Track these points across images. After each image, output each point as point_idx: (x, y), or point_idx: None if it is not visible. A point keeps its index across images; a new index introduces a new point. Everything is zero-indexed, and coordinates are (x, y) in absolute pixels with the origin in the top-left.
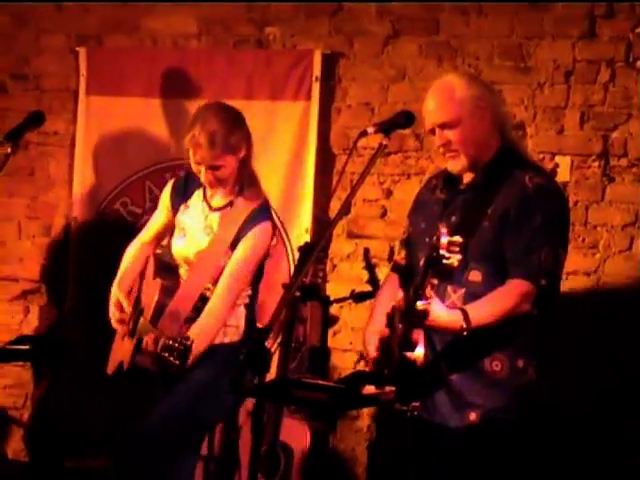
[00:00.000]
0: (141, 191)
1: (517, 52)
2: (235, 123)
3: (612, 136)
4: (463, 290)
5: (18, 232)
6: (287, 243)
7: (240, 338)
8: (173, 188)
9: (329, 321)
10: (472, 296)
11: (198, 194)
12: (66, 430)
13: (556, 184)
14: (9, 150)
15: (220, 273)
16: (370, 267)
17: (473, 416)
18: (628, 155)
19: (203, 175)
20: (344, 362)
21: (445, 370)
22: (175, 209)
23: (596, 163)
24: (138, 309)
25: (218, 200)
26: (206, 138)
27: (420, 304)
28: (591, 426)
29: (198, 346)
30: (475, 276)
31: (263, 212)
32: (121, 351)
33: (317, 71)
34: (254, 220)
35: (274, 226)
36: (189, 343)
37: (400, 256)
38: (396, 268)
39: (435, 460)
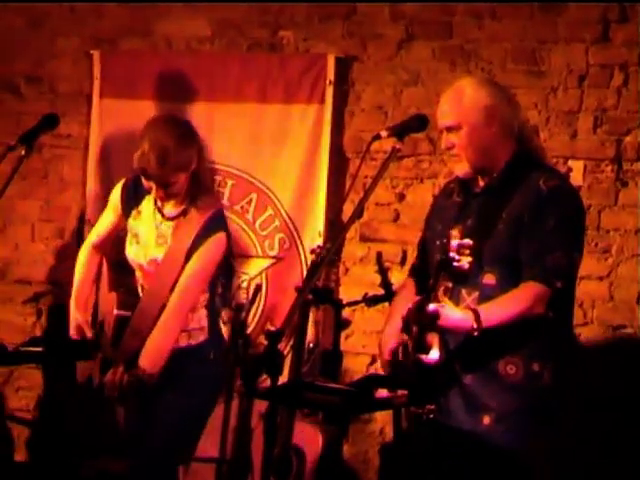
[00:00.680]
0: None
1: (530, 56)
2: (186, 138)
3: (625, 140)
4: (477, 293)
5: (31, 234)
6: (300, 246)
7: (206, 337)
8: (123, 190)
9: (341, 324)
10: (486, 299)
11: (149, 200)
12: (83, 432)
13: (571, 186)
14: (23, 153)
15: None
16: (383, 271)
17: (487, 420)
18: None
19: (154, 191)
20: (357, 365)
21: (459, 372)
22: (126, 212)
23: (609, 167)
24: (98, 323)
25: (170, 209)
26: (156, 156)
27: (431, 306)
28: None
29: (154, 363)
30: (489, 279)
31: (217, 222)
32: (89, 364)
33: (330, 75)
34: (208, 231)
35: (228, 235)
36: (142, 376)
37: (417, 260)
38: (413, 272)
39: (449, 463)
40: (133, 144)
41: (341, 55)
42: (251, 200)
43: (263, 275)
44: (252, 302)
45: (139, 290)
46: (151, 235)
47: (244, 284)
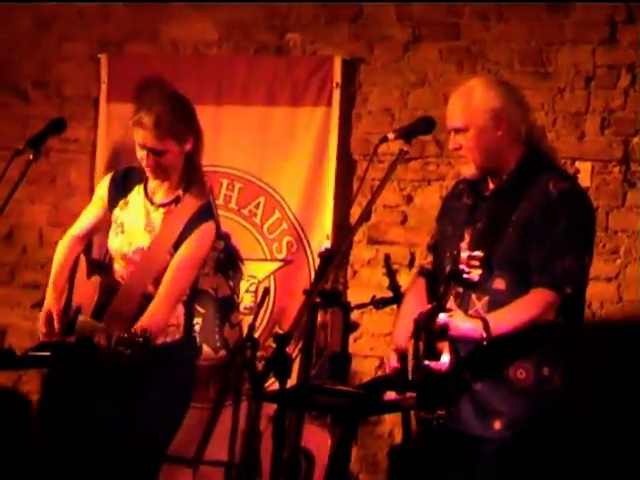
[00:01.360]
0: None
1: (537, 57)
2: (183, 112)
3: (633, 141)
4: (487, 298)
5: (39, 239)
6: (307, 249)
7: (181, 336)
8: (111, 182)
9: (350, 327)
10: (496, 304)
11: (138, 190)
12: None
13: (581, 188)
14: (31, 157)
15: (162, 272)
16: (391, 273)
17: (498, 425)
18: None
19: (145, 159)
20: (365, 368)
21: (469, 378)
22: (112, 204)
23: (617, 168)
24: (75, 310)
25: (162, 195)
26: (151, 119)
27: (441, 317)
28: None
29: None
30: (499, 284)
31: (207, 211)
32: None
33: (337, 77)
34: (199, 219)
35: (217, 226)
36: (148, 334)
37: (427, 260)
38: (423, 272)
39: (459, 468)
40: None
41: (348, 57)
42: (259, 203)
43: (271, 278)
44: (260, 305)
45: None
46: (139, 224)
47: (252, 288)
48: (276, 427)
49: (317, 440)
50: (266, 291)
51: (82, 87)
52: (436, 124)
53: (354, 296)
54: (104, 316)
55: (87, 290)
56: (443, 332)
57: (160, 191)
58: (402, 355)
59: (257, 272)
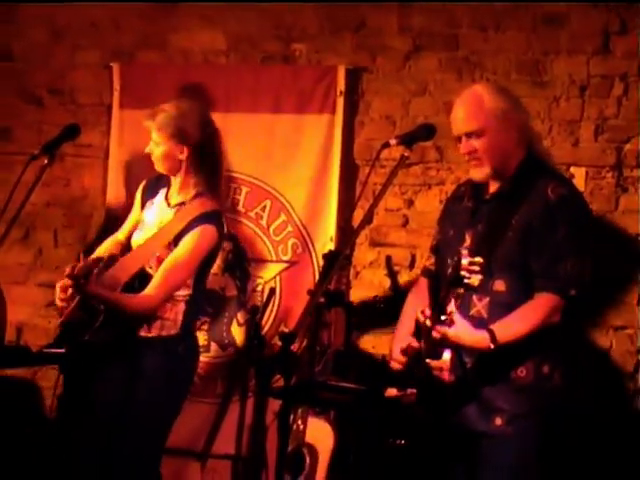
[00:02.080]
0: None
1: (534, 67)
2: (198, 119)
3: (625, 148)
4: (488, 299)
5: (54, 240)
6: (312, 251)
7: (177, 332)
8: (144, 187)
9: (352, 326)
10: (497, 305)
11: (162, 192)
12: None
13: (578, 193)
14: (46, 161)
15: (159, 261)
16: (392, 274)
17: (499, 421)
18: None
19: (149, 150)
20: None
21: (471, 380)
22: (143, 206)
23: (610, 174)
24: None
25: (176, 198)
26: (164, 111)
27: (438, 330)
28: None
29: (132, 302)
30: (500, 285)
31: (211, 216)
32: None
33: (341, 86)
34: (200, 221)
35: (220, 233)
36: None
37: (430, 261)
38: (426, 272)
39: (461, 463)
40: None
41: (351, 67)
42: (265, 207)
43: (277, 279)
44: (266, 305)
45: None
46: (155, 221)
47: (259, 288)
48: (281, 422)
49: (321, 435)
50: (272, 291)
51: (95, 94)
52: (436, 131)
53: (357, 296)
54: (102, 277)
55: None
56: (442, 342)
57: (175, 194)
58: (405, 352)
59: (263, 273)
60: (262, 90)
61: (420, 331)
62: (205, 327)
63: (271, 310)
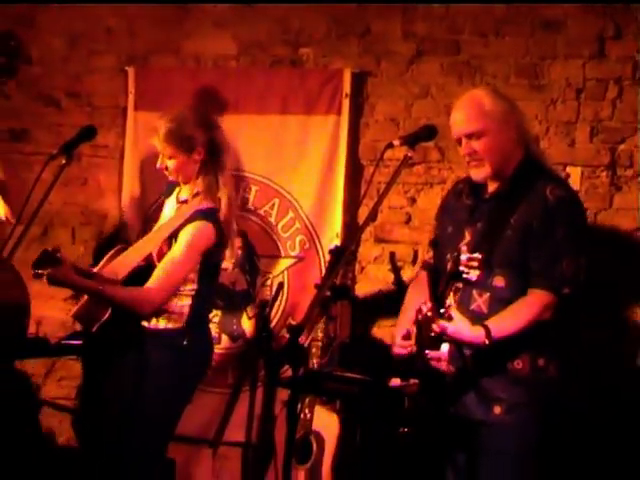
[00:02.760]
0: None
1: (532, 71)
2: (199, 124)
3: (619, 148)
4: (488, 294)
5: (72, 237)
6: (319, 247)
7: (182, 325)
8: (166, 189)
9: (357, 318)
10: (496, 300)
11: (176, 190)
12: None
13: (575, 195)
14: (64, 161)
15: (158, 255)
16: (396, 269)
17: (497, 410)
18: (634, 166)
19: (158, 162)
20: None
21: (471, 370)
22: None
23: (604, 173)
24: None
25: (183, 194)
26: (164, 126)
27: (438, 324)
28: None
29: (128, 296)
30: (499, 281)
31: (207, 214)
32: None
33: (347, 88)
34: (195, 217)
35: (217, 229)
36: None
37: (429, 255)
38: (425, 266)
39: (462, 450)
40: None
41: (357, 70)
42: (274, 204)
43: (285, 274)
44: (275, 299)
45: None
46: (165, 217)
47: (267, 282)
48: (289, 411)
49: (327, 423)
50: (280, 285)
51: (111, 97)
52: (438, 132)
53: (362, 290)
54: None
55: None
56: (440, 337)
57: (184, 190)
58: (407, 337)
59: (272, 268)
60: (271, 92)
61: (420, 323)
62: (216, 320)
63: (279, 304)
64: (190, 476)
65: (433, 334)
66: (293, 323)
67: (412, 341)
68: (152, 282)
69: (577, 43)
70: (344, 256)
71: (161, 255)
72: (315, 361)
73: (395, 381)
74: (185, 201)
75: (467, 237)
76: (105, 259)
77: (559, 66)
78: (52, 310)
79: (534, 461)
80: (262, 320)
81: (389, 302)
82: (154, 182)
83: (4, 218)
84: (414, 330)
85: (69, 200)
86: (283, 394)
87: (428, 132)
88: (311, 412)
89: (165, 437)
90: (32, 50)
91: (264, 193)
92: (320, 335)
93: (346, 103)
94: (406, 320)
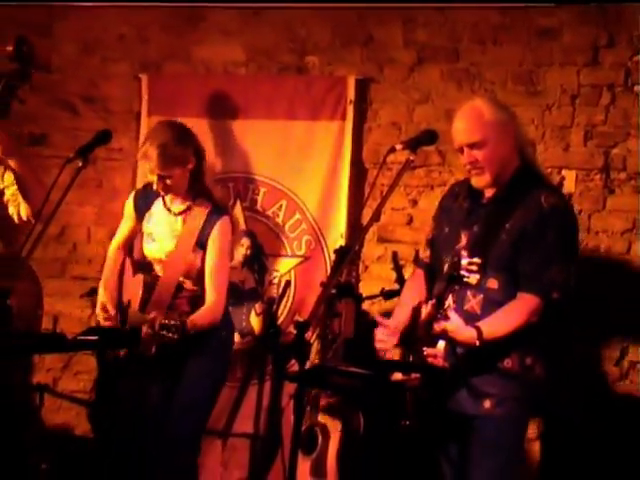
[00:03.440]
0: None
1: (528, 78)
2: (182, 138)
3: (612, 152)
4: (482, 296)
5: (87, 237)
6: (324, 246)
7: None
8: (134, 198)
9: (361, 316)
10: (489, 302)
11: (158, 203)
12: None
13: (568, 203)
14: (80, 164)
15: (190, 267)
16: (398, 268)
17: (488, 404)
18: (627, 169)
19: (155, 183)
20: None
21: (463, 367)
22: (140, 217)
23: (598, 176)
24: (126, 303)
25: (178, 206)
26: (155, 152)
27: (439, 325)
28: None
29: (199, 321)
30: (493, 284)
31: (217, 211)
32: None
33: (351, 94)
34: (212, 219)
35: (231, 220)
36: (184, 319)
37: (425, 254)
38: (421, 264)
39: (455, 442)
40: None
41: (360, 77)
42: (281, 206)
43: (292, 272)
44: (282, 296)
45: None
46: (165, 232)
47: (275, 280)
48: (296, 404)
49: (332, 416)
50: (287, 284)
51: (125, 103)
52: (439, 136)
53: (365, 288)
54: (147, 307)
55: (133, 287)
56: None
57: (175, 202)
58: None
59: (279, 267)
60: (278, 98)
61: (417, 320)
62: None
63: (286, 301)
64: (201, 466)
65: (434, 333)
66: (300, 320)
67: (392, 336)
68: (209, 297)
69: (572, 51)
70: (348, 255)
71: (195, 268)
72: (320, 356)
73: (397, 375)
74: (188, 209)
75: (463, 239)
76: (140, 292)
77: (555, 73)
78: (69, 307)
79: (520, 450)
80: (270, 317)
81: (391, 299)
82: None
83: (25, 219)
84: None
85: (85, 201)
86: (290, 388)
87: (429, 136)
88: (317, 405)
89: (206, 423)
90: (50, 58)
91: (272, 195)
92: (325, 331)
93: (350, 109)
94: (400, 315)
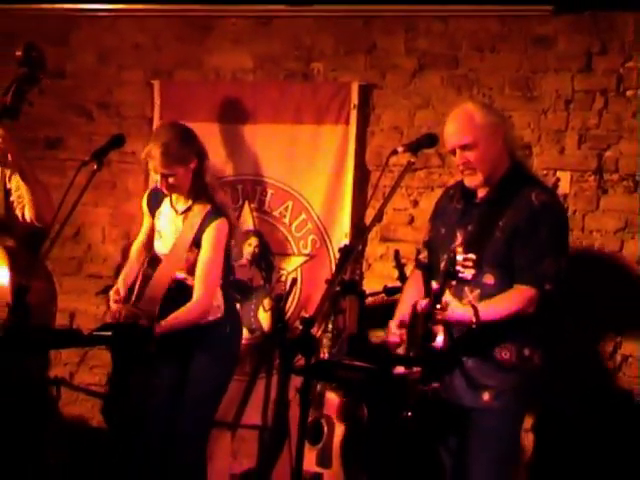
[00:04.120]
0: None
1: (525, 83)
2: (185, 139)
3: (605, 155)
4: (478, 291)
5: (102, 237)
6: (329, 245)
7: (222, 314)
8: (147, 198)
9: (364, 312)
10: (486, 296)
11: (166, 202)
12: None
13: (558, 199)
14: (95, 167)
15: (186, 264)
16: (400, 266)
17: (486, 396)
18: (619, 171)
19: (159, 181)
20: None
21: (462, 357)
22: (152, 215)
23: (592, 178)
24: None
25: (181, 205)
26: (159, 151)
27: (440, 314)
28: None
29: (183, 317)
30: (488, 279)
31: (216, 212)
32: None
33: (355, 100)
34: (209, 220)
35: (230, 222)
36: (139, 313)
37: (423, 255)
38: (420, 265)
39: (454, 434)
40: None
41: (363, 83)
42: (288, 207)
43: (298, 270)
44: (289, 293)
45: None
46: (170, 229)
47: (282, 278)
48: (302, 396)
49: (336, 407)
50: (294, 281)
51: (138, 108)
52: (438, 139)
53: (368, 285)
54: (141, 301)
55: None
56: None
57: (180, 202)
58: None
59: (286, 265)
60: (285, 104)
61: (415, 316)
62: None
63: (293, 298)
64: (211, 456)
65: (432, 323)
66: (306, 316)
67: (404, 330)
68: (196, 293)
69: (566, 58)
70: (352, 254)
71: (190, 265)
72: (326, 351)
73: (399, 369)
74: (189, 209)
75: (459, 238)
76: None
77: (550, 79)
78: (85, 304)
79: (518, 441)
80: (277, 313)
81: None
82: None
83: (29, 220)
84: (407, 321)
85: (100, 202)
86: (296, 381)
87: (429, 140)
88: (322, 398)
89: (213, 417)
90: (66, 65)
91: (279, 196)
92: (330, 327)
93: (354, 113)
94: (401, 312)
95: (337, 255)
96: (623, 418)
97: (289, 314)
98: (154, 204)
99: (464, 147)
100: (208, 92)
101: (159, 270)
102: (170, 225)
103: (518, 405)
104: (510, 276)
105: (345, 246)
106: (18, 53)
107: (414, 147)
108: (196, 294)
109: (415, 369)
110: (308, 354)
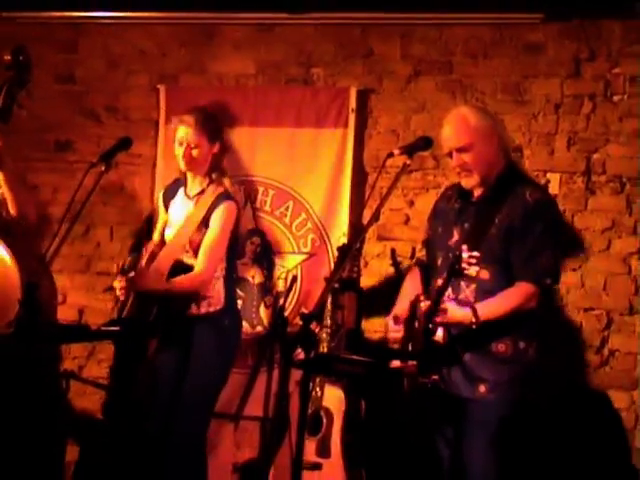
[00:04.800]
0: None
1: (516, 88)
2: (216, 120)
3: (593, 157)
4: (474, 285)
5: (110, 235)
6: (328, 244)
7: (222, 306)
8: (164, 193)
9: (362, 308)
10: (482, 291)
11: (181, 191)
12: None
13: (551, 197)
14: (103, 169)
15: (194, 245)
16: (396, 264)
17: (483, 388)
18: (606, 172)
19: (181, 153)
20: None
21: (460, 351)
22: (166, 207)
23: (580, 179)
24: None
25: (194, 189)
26: (192, 118)
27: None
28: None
29: (185, 283)
30: (484, 274)
31: (226, 196)
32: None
33: (353, 104)
34: (219, 201)
35: (238, 207)
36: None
37: (422, 254)
38: (418, 262)
39: (451, 424)
40: None
41: (361, 88)
42: (288, 207)
43: (298, 268)
44: (289, 290)
45: None
46: (180, 216)
47: (283, 275)
48: (302, 389)
49: (335, 400)
50: (294, 278)
51: (145, 112)
52: (433, 142)
53: (366, 283)
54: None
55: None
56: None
57: (195, 184)
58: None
59: (287, 263)
60: (285, 108)
61: (414, 311)
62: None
63: (293, 295)
64: (214, 447)
65: (433, 324)
66: (305, 312)
67: (402, 326)
68: (198, 265)
69: (556, 64)
70: (350, 252)
71: (194, 245)
72: (325, 345)
73: (395, 363)
74: (201, 192)
75: (455, 235)
76: (146, 258)
77: (540, 84)
78: (93, 301)
79: (512, 432)
80: (278, 309)
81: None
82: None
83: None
84: (404, 316)
85: (108, 202)
86: (296, 374)
87: (425, 143)
88: (321, 390)
89: (212, 409)
90: (75, 71)
91: (280, 196)
92: (329, 322)
93: (352, 117)
94: (400, 309)
95: (336, 254)
96: (595, 416)
97: (289, 310)
98: (170, 195)
99: (460, 149)
100: (211, 96)
101: (165, 248)
102: (180, 212)
103: (513, 397)
104: (505, 271)
105: (343, 245)
106: (6, 57)
107: (410, 150)
108: (198, 266)
109: (410, 363)
110: (308, 348)
